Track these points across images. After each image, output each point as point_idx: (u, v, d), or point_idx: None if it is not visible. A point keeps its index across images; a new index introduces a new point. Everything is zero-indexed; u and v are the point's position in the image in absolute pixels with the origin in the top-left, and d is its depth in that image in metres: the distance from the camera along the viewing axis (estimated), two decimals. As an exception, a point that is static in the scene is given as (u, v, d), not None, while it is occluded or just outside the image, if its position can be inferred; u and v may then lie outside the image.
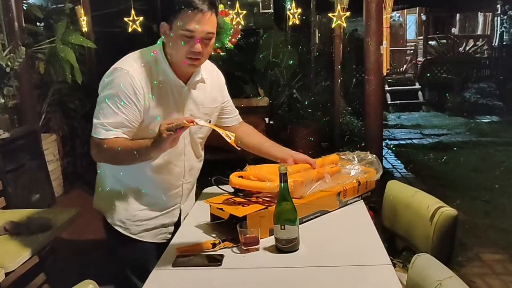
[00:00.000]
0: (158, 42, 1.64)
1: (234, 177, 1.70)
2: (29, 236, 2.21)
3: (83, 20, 4.61)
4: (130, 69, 1.54)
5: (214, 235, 1.63)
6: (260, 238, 1.53)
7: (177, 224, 1.83)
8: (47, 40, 4.23)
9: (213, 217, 1.72)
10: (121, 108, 1.53)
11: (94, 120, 1.55)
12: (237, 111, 1.97)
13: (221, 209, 1.63)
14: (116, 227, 1.73)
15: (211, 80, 1.77)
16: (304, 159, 1.88)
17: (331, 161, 1.97)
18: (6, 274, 1.98)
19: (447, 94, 9.69)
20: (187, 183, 1.82)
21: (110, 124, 1.52)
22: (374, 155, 2.03)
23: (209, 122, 1.75)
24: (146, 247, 1.75)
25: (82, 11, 4.62)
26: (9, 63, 3.51)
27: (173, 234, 1.77)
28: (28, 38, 3.98)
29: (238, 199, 1.69)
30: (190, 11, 1.48)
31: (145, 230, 1.75)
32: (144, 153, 1.48)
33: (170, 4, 1.52)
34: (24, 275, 2.32)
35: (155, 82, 1.58)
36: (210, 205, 1.71)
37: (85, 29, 4.62)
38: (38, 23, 4.63)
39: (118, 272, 1.78)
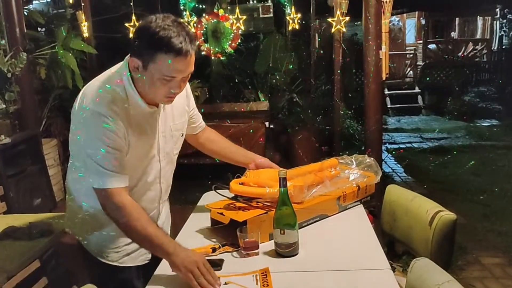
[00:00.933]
0: (124, 64, 1.47)
1: (234, 184, 1.70)
2: (31, 241, 2.22)
3: (84, 25, 4.62)
4: (105, 111, 1.39)
5: (214, 240, 1.64)
6: (260, 243, 1.54)
7: None
8: (48, 46, 4.25)
9: (214, 221, 1.73)
10: (115, 150, 1.42)
11: (92, 169, 1.42)
12: (201, 117, 1.89)
13: (221, 213, 1.64)
14: (94, 255, 1.62)
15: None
16: (267, 164, 1.87)
17: (329, 165, 1.98)
18: (8, 278, 1.99)
19: (449, 99, 9.69)
20: (163, 202, 1.75)
21: (114, 167, 1.41)
22: (372, 158, 2.04)
23: (182, 135, 1.71)
24: (127, 272, 1.65)
25: (83, 17, 4.64)
26: (10, 69, 3.53)
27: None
28: (29, 43, 4.00)
29: (238, 204, 1.70)
30: (173, 56, 1.33)
31: (125, 255, 1.64)
32: (154, 251, 1.45)
33: (148, 43, 1.34)
34: (26, 279, 2.32)
35: (127, 111, 1.46)
36: (211, 210, 1.72)
37: (86, 34, 4.64)
38: (39, 29, 4.66)
39: None
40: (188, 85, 1.70)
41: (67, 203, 1.70)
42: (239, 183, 1.72)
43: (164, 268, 1.44)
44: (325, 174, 1.88)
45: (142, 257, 1.68)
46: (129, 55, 1.43)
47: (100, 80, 1.48)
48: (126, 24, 4.40)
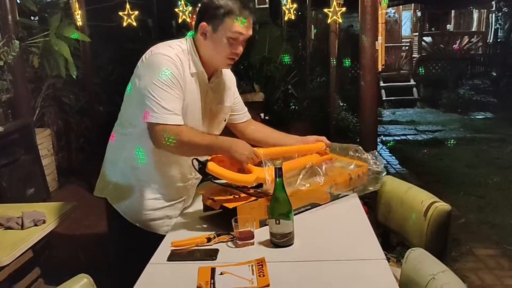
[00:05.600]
0: (188, 35, 1.71)
1: (212, 163, 1.61)
2: (24, 230, 2.20)
3: (78, 14, 4.57)
4: (171, 55, 1.60)
5: (209, 228, 1.64)
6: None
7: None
8: (41, 34, 4.19)
9: (206, 207, 1.73)
10: (175, 90, 1.57)
11: (153, 107, 1.54)
12: (246, 109, 2.04)
13: (212, 199, 1.65)
14: (122, 213, 1.76)
15: (225, 79, 1.87)
16: (313, 140, 1.96)
17: (316, 149, 1.95)
18: (1, 268, 1.98)
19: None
20: (196, 179, 1.87)
21: (175, 109, 1.55)
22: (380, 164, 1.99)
23: (224, 120, 1.88)
24: (149, 237, 1.76)
25: (77, 5, 4.58)
26: (2, 57, 3.47)
27: None
28: (22, 31, 3.94)
29: (231, 190, 1.69)
30: (239, 17, 1.61)
31: (150, 220, 1.77)
32: (218, 152, 1.62)
33: (218, 9, 1.61)
34: (19, 269, 2.31)
35: (188, 70, 1.64)
36: (203, 196, 1.73)
37: (79, 23, 4.59)
38: (32, 17, 4.60)
39: (117, 260, 1.81)
40: (233, 76, 1.95)
41: (103, 169, 1.83)
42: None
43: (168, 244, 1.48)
44: (313, 159, 1.86)
45: (165, 227, 1.77)
46: (188, 33, 1.70)
47: (164, 42, 1.68)
48: (120, 13, 4.36)
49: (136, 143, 1.69)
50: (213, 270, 1.34)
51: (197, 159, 1.63)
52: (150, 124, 1.57)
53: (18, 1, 4.20)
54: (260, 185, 1.67)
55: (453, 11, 12.06)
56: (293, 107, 5.49)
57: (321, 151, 1.98)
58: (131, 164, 1.72)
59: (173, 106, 1.56)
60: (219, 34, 1.62)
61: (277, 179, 1.48)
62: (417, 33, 11.48)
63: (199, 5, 1.71)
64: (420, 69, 10.55)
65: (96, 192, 1.85)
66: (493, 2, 10.76)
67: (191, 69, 1.65)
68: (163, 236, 1.70)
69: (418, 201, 1.80)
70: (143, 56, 1.64)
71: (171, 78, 1.56)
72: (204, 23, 1.63)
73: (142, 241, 1.73)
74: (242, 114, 2.01)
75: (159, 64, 1.57)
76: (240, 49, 1.67)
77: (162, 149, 1.61)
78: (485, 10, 11.40)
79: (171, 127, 1.55)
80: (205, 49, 1.66)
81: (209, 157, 1.63)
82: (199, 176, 1.85)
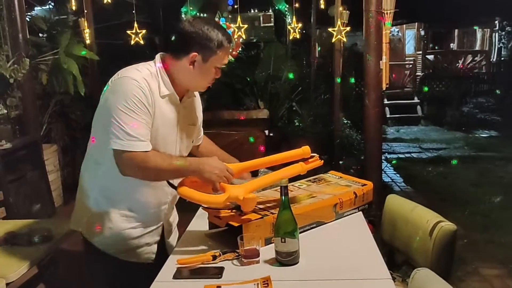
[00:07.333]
0: (156, 57, 1.66)
1: (182, 188, 1.58)
2: (30, 247, 2.21)
3: (86, 32, 4.64)
4: (137, 77, 1.54)
5: (215, 246, 1.64)
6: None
7: (160, 243, 1.80)
8: (51, 52, 4.26)
9: (211, 225, 1.74)
10: (140, 115, 1.52)
11: (117, 133, 1.49)
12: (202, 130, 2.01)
13: (218, 217, 1.65)
14: (100, 247, 1.69)
15: (196, 100, 1.84)
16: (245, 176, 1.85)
17: (300, 156, 1.84)
18: (7, 285, 1.98)
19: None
20: (171, 201, 1.81)
21: (140, 135, 1.51)
22: None
23: (192, 141, 1.85)
24: (130, 267, 1.71)
25: (86, 23, 4.66)
26: (13, 74, 3.53)
27: (157, 253, 1.76)
28: (32, 49, 4.01)
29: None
30: (227, 49, 1.62)
31: (129, 249, 1.71)
32: (186, 174, 1.58)
33: (210, 41, 1.58)
34: (24, 285, 2.31)
35: (157, 93, 1.59)
36: (208, 213, 1.73)
37: (88, 41, 4.66)
38: (41, 35, 4.68)
39: None
40: (199, 96, 1.89)
41: (78, 200, 1.75)
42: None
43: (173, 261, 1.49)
44: (297, 168, 1.80)
45: (146, 255, 1.74)
46: (159, 54, 1.65)
47: (133, 65, 1.63)
48: (128, 31, 4.42)
49: (109, 170, 1.59)
50: None
51: (169, 183, 1.62)
52: (115, 151, 1.52)
53: (28, 19, 4.28)
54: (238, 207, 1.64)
55: (456, 30, 12.16)
56: (298, 124, 5.51)
57: (306, 157, 1.85)
58: (105, 194, 1.65)
59: (139, 132, 1.51)
60: (209, 65, 1.61)
61: (283, 198, 1.49)
62: (420, 52, 11.57)
63: (180, 30, 1.64)
64: (424, 87, 10.58)
65: (73, 224, 1.77)
66: (497, 21, 10.85)
67: (161, 92, 1.60)
68: (146, 264, 1.70)
69: (423, 220, 1.80)
70: (111, 79, 1.59)
71: (136, 102, 1.50)
72: (195, 53, 1.58)
73: (127, 272, 1.69)
74: (201, 136, 1.99)
75: (124, 88, 1.52)
76: (219, 74, 1.67)
77: (129, 176, 1.56)
78: (489, 29, 11.49)
79: (137, 154, 1.50)
80: (189, 75, 1.62)
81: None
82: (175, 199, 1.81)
